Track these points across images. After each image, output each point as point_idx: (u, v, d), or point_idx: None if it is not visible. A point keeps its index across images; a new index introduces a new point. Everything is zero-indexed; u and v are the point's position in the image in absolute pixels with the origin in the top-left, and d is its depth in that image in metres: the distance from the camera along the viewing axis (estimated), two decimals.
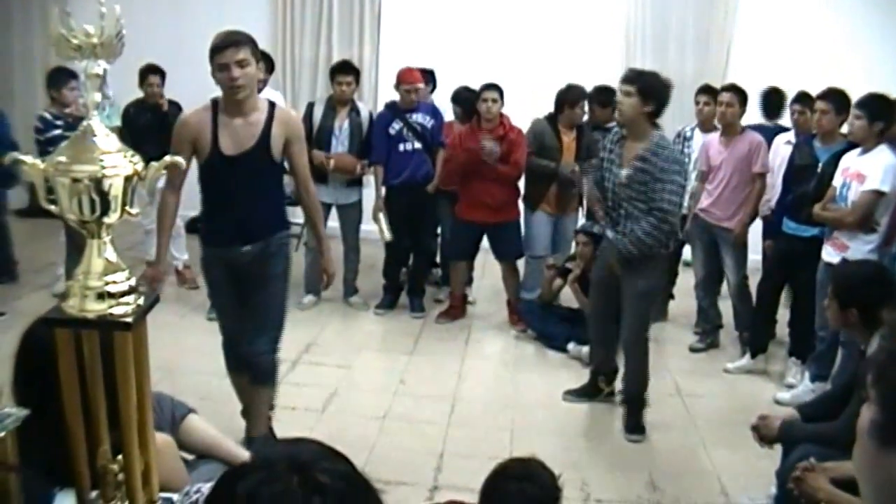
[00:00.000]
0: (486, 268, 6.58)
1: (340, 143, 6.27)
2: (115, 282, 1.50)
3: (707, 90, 6.35)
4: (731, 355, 5.90)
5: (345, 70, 6.28)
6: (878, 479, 1.06)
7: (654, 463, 4.38)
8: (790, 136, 6.00)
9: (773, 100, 6.53)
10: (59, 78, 5.93)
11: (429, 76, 6.85)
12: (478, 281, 6.80)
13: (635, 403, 4.69)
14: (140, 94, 6.68)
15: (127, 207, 1.48)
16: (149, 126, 6.28)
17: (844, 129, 5.14)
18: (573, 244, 6.22)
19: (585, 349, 5.63)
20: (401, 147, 6.27)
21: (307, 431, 4.42)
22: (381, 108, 6.86)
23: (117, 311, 1.49)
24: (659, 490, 4.10)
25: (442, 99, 6.90)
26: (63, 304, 1.51)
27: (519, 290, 6.39)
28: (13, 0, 8.89)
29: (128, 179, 1.46)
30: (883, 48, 7.77)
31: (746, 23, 8.12)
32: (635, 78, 4.46)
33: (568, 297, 6.24)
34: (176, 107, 6.47)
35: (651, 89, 4.38)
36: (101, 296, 1.49)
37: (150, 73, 6.56)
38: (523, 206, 6.39)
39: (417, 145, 6.28)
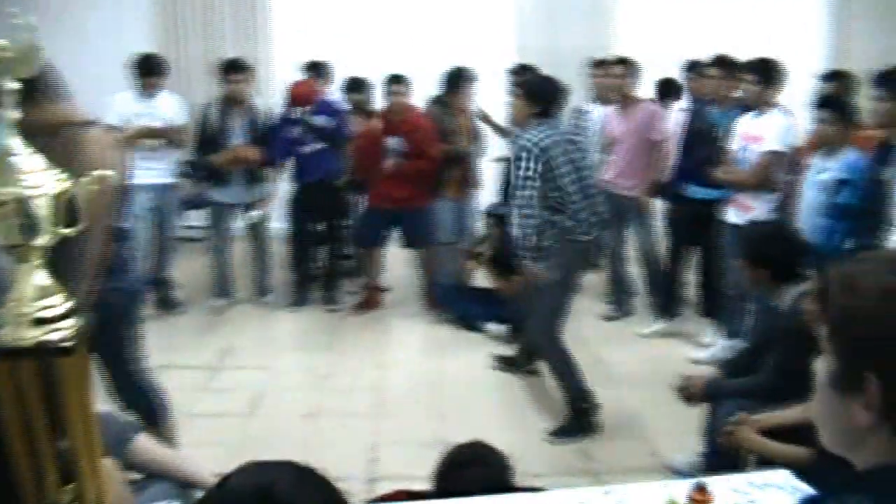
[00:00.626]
0: (398, 255, 6.56)
1: (238, 143, 6.14)
2: (50, 306, 1.44)
3: (600, 63, 6.45)
4: (645, 320, 6.02)
5: (236, 68, 6.14)
6: (839, 424, 1.10)
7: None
8: (684, 103, 6.13)
9: (668, 89, 6.63)
10: None
11: (324, 70, 6.76)
12: (389, 268, 6.76)
13: (569, 407, 4.49)
14: None
15: (59, 228, 1.43)
16: None
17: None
18: (480, 226, 6.25)
19: (504, 327, 5.69)
20: (303, 149, 6.20)
21: (237, 437, 4.37)
22: (276, 102, 6.78)
23: (54, 336, 1.43)
24: (592, 458, 4.18)
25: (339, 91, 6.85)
26: None
27: (435, 273, 6.40)
28: None
29: (56, 198, 1.41)
30: (765, 10, 8.01)
31: None
32: (522, 81, 4.66)
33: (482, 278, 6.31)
34: None
35: (537, 91, 4.45)
36: (37, 322, 1.43)
37: None
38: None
39: (320, 145, 6.21)
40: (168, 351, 5.48)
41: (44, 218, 1.40)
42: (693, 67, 6.10)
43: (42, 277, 1.45)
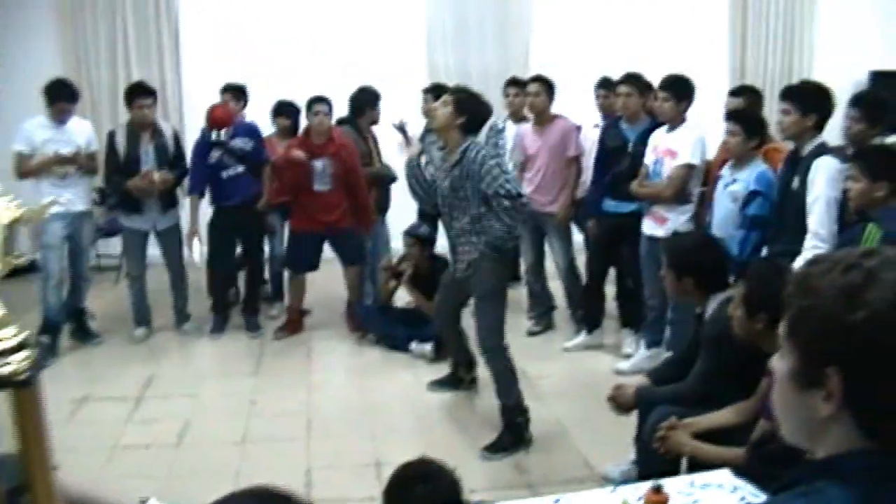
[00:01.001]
0: (316, 277, 6.52)
1: (150, 163, 6.03)
2: (2, 338, 1.40)
3: (514, 82, 6.54)
4: (567, 334, 6.12)
5: (142, 92, 6.04)
6: (801, 417, 1.16)
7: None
8: (597, 119, 6.25)
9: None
10: None
11: (240, 93, 6.71)
12: (309, 291, 6.68)
13: (505, 421, 4.51)
14: None
15: (9, 257, 1.39)
16: None
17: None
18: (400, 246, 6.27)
19: (428, 346, 5.74)
20: (223, 174, 6.15)
21: (166, 468, 4.28)
22: (187, 125, 6.70)
23: (5, 370, 1.39)
24: (526, 472, 4.22)
25: (254, 113, 6.80)
26: None
27: (362, 294, 6.41)
28: None
29: (7, 226, 1.38)
30: (671, 28, 8.26)
31: (543, 14, 8.43)
32: (455, 91, 4.66)
33: (403, 298, 6.33)
34: None
35: (466, 104, 4.48)
36: None
37: None
38: None
39: (240, 169, 6.17)
40: (89, 383, 5.38)
41: None
42: (604, 85, 6.23)
43: None
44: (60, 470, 2.47)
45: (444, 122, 4.46)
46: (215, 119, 6.08)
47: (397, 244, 6.55)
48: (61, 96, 5.87)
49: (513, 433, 4.46)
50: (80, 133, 6.07)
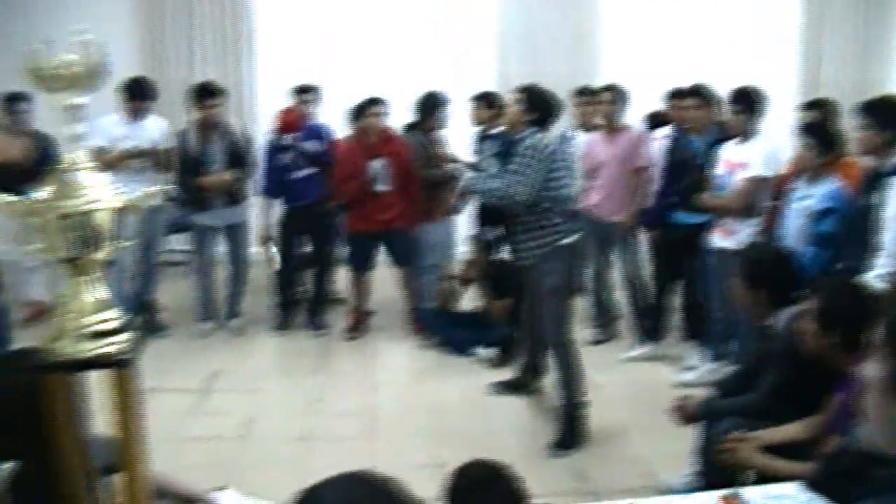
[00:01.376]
0: (380, 278, 6.58)
1: (218, 166, 6.13)
2: (107, 319, 1.46)
3: (584, 91, 6.54)
4: (630, 344, 6.08)
5: (212, 93, 6.15)
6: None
7: (577, 454, 4.47)
8: (668, 130, 6.21)
9: (654, 120, 6.72)
10: None
11: (313, 94, 6.80)
12: (375, 291, 6.72)
13: (566, 417, 4.61)
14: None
15: (115, 243, 1.45)
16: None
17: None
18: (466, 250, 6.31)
19: (492, 351, 5.74)
20: (295, 175, 6.27)
21: (231, 460, 4.36)
22: (260, 124, 6.81)
23: (109, 350, 1.45)
24: (587, 479, 4.21)
25: (327, 113, 6.89)
26: (51, 345, 1.46)
27: (418, 297, 6.45)
28: None
29: (117, 212, 1.44)
30: (742, 39, 8.20)
31: (613, 23, 8.42)
32: (523, 88, 4.64)
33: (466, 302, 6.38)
34: (38, 136, 6.23)
35: (537, 100, 4.53)
36: (94, 335, 1.45)
37: (15, 101, 6.21)
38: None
39: (311, 170, 6.27)
40: (156, 374, 5.45)
41: (104, 231, 1.43)
42: (674, 96, 6.20)
43: (100, 291, 1.48)
44: None
45: (515, 118, 4.52)
46: (286, 124, 6.21)
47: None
48: (138, 94, 6.03)
49: (572, 428, 4.53)
50: (156, 130, 6.23)
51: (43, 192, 1.40)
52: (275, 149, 6.28)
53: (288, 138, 6.21)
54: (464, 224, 6.89)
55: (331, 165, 6.30)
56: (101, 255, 1.45)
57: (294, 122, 6.21)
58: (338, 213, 6.49)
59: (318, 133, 6.41)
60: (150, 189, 1.50)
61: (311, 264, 6.58)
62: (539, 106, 4.50)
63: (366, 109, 6.04)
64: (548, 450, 4.46)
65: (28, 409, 1.69)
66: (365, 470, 1.32)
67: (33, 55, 1.38)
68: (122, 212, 1.45)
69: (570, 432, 4.52)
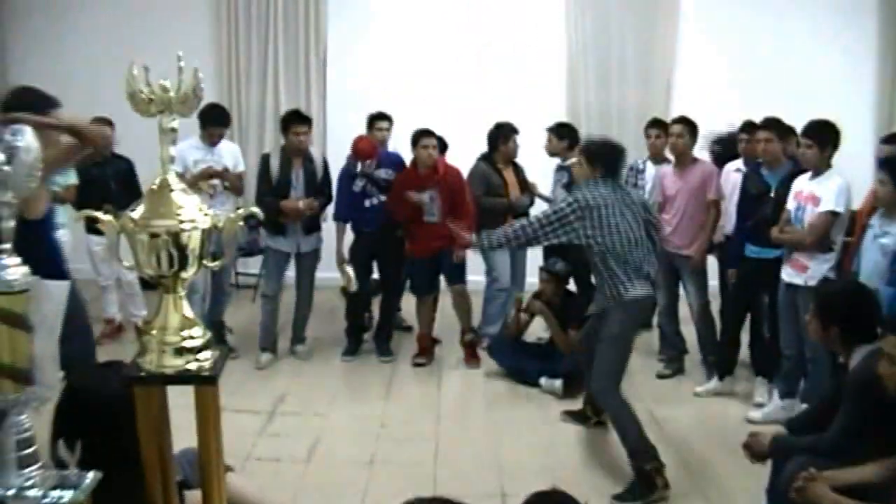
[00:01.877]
0: (446, 307, 6.62)
1: (298, 193, 6.22)
2: (192, 337, 1.50)
3: (657, 123, 6.53)
4: (698, 379, 6.00)
5: (299, 120, 6.23)
6: None
7: None
8: (739, 163, 6.16)
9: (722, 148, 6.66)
10: None
11: (389, 121, 6.90)
12: (439, 320, 6.79)
13: (634, 466, 4.35)
14: None
15: (204, 260, 1.49)
16: (101, 180, 6.23)
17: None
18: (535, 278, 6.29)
19: (558, 383, 5.72)
20: (366, 203, 6.34)
21: (296, 483, 4.39)
22: (329, 153, 6.90)
23: (193, 366, 1.49)
24: None
25: (397, 142, 6.99)
26: (138, 360, 1.50)
27: (470, 319, 6.50)
28: None
29: (205, 232, 1.48)
30: (818, 73, 8.10)
31: (687, 55, 8.38)
32: (583, 147, 4.72)
33: (534, 332, 6.35)
34: (121, 160, 6.41)
35: (598, 155, 4.54)
36: (179, 351, 1.49)
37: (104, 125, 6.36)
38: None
39: (383, 198, 6.34)
40: (224, 394, 5.47)
41: (192, 251, 1.47)
42: (746, 129, 6.15)
43: (186, 308, 1.52)
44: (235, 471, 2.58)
45: (583, 178, 4.53)
46: (360, 151, 6.28)
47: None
48: (214, 120, 6.16)
49: (642, 481, 4.29)
50: (229, 155, 6.38)
51: (136, 211, 1.44)
52: (349, 175, 6.37)
53: (363, 165, 6.29)
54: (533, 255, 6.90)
55: None
56: (188, 273, 1.48)
57: (368, 150, 6.28)
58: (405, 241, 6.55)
59: (391, 161, 6.48)
60: (241, 211, 1.54)
61: (380, 291, 6.62)
62: (601, 160, 4.50)
63: (419, 140, 6.12)
64: (612, 499, 4.26)
65: (117, 419, 1.75)
66: (437, 496, 1.32)
67: (132, 80, 1.43)
68: (211, 231, 1.48)
69: (640, 484, 4.29)
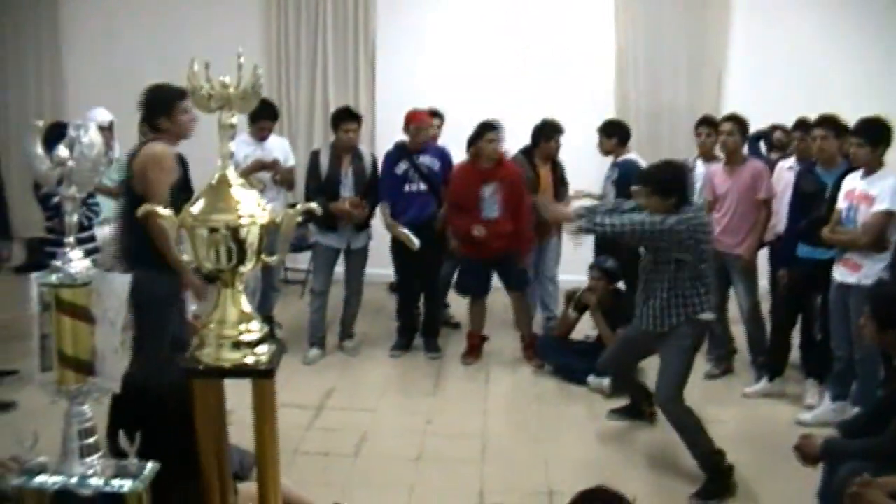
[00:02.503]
0: (496, 303, 6.62)
1: (347, 190, 6.27)
2: (249, 330, 1.52)
3: (707, 122, 6.46)
4: (746, 380, 5.95)
5: (349, 117, 6.26)
6: None
7: (690, 488, 4.35)
8: (791, 161, 6.09)
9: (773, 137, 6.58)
10: (57, 134, 5.90)
11: (438, 118, 6.91)
12: (488, 316, 6.70)
13: (706, 472, 4.36)
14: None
15: (262, 255, 1.51)
16: None
17: None
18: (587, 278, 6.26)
19: (606, 381, 5.69)
20: (406, 188, 6.33)
21: (344, 477, 4.43)
22: (378, 150, 6.92)
23: (250, 360, 1.51)
24: None
25: (445, 140, 6.98)
26: (196, 353, 1.52)
27: (531, 326, 6.48)
28: (8, 50, 8.90)
29: (263, 228, 1.49)
30: (870, 70, 7.97)
31: (738, 52, 8.29)
32: (648, 179, 4.57)
33: (581, 330, 6.35)
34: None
35: (668, 185, 4.45)
36: (236, 345, 1.51)
37: None
38: None
39: (423, 187, 6.34)
40: None
41: (251, 246, 1.49)
42: (800, 127, 6.07)
43: (244, 303, 1.54)
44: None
45: (657, 210, 4.44)
46: (413, 116, 6.33)
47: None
48: (264, 115, 6.20)
49: (717, 479, 4.30)
50: (279, 149, 6.44)
51: (197, 206, 1.46)
52: (393, 157, 6.38)
53: (410, 133, 6.34)
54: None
55: (442, 186, 6.39)
56: (246, 268, 1.50)
57: (418, 114, 6.34)
58: (447, 237, 6.55)
59: (437, 153, 6.50)
60: (300, 206, 1.55)
61: (424, 286, 6.63)
62: (673, 189, 4.41)
63: (482, 134, 6.10)
64: (690, 500, 4.27)
65: (173, 411, 1.78)
66: None
67: (193, 76, 1.45)
68: (270, 227, 1.50)
69: (715, 483, 4.30)
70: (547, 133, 6.62)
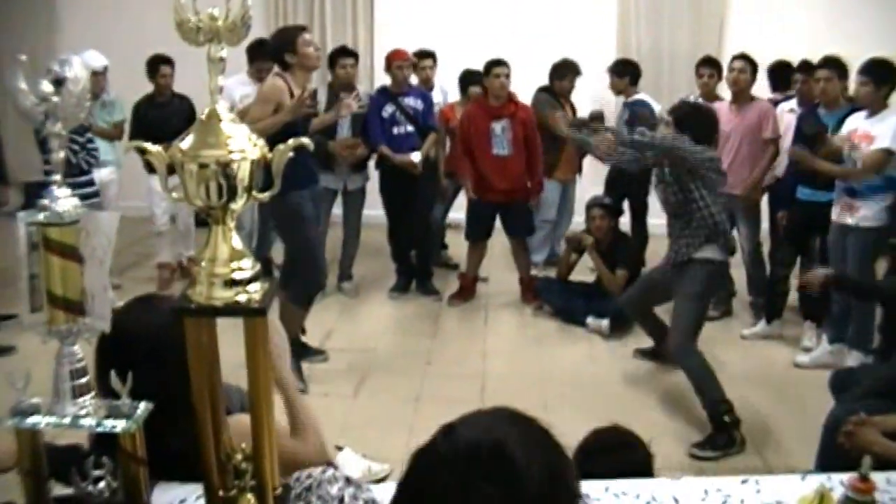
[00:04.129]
0: (496, 244, 6.61)
1: (344, 128, 6.23)
2: (241, 268, 1.49)
3: (709, 62, 6.39)
4: (745, 322, 5.98)
5: (345, 53, 6.24)
6: None
7: (687, 429, 4.41)
8: (793, 104, 6.02)
9: (780, 73, 6.49)
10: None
11: (431, 59, 6.84)
12: (488, 258, 6.73)
13: (713, 423, 4.30)
14: (149, 87, 6.46)
15: (253, 192, 1.48)
16: (162, 121, 6.01)
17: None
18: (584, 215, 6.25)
19: (605, 322, 5.70)
20: (394, 130, 6.32)
21: (342, 417, 4.45)
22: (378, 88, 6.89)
23: (242, 298, 1.49)
24: (698, 458, 4.14)
25: (441, 80, 6.94)
26: (188, 291, 1.50)
27: (530, 265, 6.49)
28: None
29: (254, 163, 1.46)
30: (872, 12, 7.86)
31: None
32: (681, 122, 4.50)
33: (581, 271, 6.36)
34: (183, 100, 6.38)
35: (688, 122, 4.45)
36: (228, 283, 1.49)
37: (161, 64, 6.33)
38: None
39: (410, 128, 6.32)
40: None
41: (241, 182, 1.45)
42: (803, 69, 5.99)
43: (235, 240, 1.51)
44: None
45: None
46: (393, 55, 6.35)
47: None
48: (260, 55, 6.12)
49: (721, 432, 4.25)
50: None
51: (186, 142, 1.43)
52: (379, 100, 6.37)
53: (392, 71, 6.38)
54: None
55: (428, 128, 6.38)
56: (237, 204, 1.47)
57: (400, 53, 6.35)
58: (444, 179, 6.54)
59: (420, 94, 6.49)
60: (291, 142, 1.51)
61: (414, 228, 6.60)
62: (698, 131, 4.41)
63: (490, 70, 6.05)
64: (691, 449, 4.23)
65: (160, 351, 1.79)
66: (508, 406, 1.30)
67: (180, 8, 1.41)
68: (259, 163, 1.47)
69: (720, 435, 4.26)
70: (561, 72, 6.74)
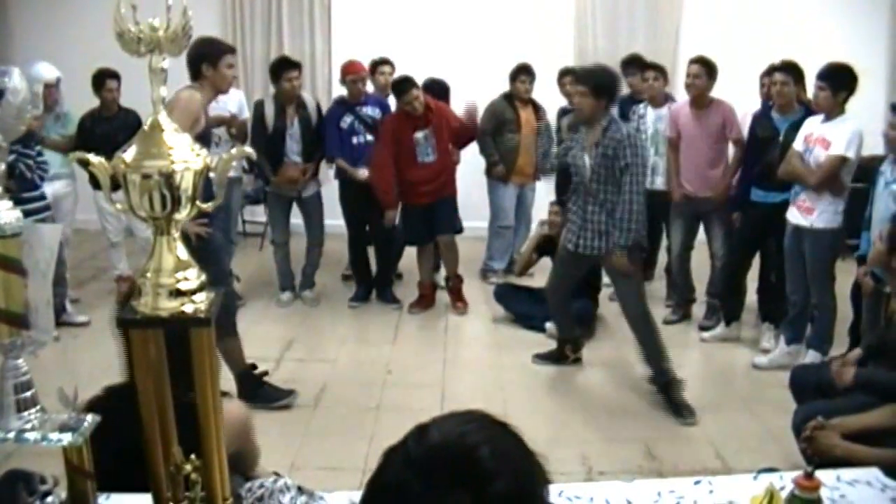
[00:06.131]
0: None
1: (294, 140, 6.22)
2: (186, 279, 1.49)
3: (653, 66, 6.46)
4: (705, 324, 6.01)
5: (289, 66, 6.18)
6: None
7: (647, 433, 4.43)
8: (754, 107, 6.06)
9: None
10: None
11: (391, 66, 6.82)
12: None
13: (666, 387, 4.73)
14: (95, 102, 6.34)
15: (197, 202, 1.47)
16: (108, 136, 5.79)
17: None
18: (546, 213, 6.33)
19: None
20: (353, 140, 6.33)
21: (303, 427, 4.43)
22: (335, 97, 6.88)
23: (188, 308, 1.48)
24: (656, 458, 4.16)
25: None
26: (134, 303, 1.49)
27: (457, 267, 6.47)
28: None
29: (198, 174, 1.45)
30: (828, 18, 7.98)
31: (695, 3, 8.34)
32: (586, 78, 4.73)
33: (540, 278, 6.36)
34: (129, 114, 6.28)
35: (603, 86, 4.63)
36: (173, 293, 1.48)
37: (108, 78, 6.22)
38: (487, 179, 7.02)
39: (369, 137, 6.33)
40: None
41: (185, 192, 1.45)
42: (769, 74, 6.02)
43: (181, 250, 1.51)
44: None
45: (593, 112, 4.63)
46: (348, 68, 6.36)
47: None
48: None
49: (667, 397, 4.72)
50: (234, 102, 6.34)
51: (129, 153, 1.42)
52: (337, 111, 6.39)
53: (347, 84, 6.39)
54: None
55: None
56: (181, 214, 1.47)
57: (355, 66, 6.37)
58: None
59: (377, 102, 6.51)
60: (235, 151, 1.52)
61: (374, 237, 6.61)
62: (605, 90, 4.62)
63: (402, 95, 5.99)
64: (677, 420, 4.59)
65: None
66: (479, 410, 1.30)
67: (120, 19, 1.41)
68: (204, 173, 1.47)
69: (667, 400, 4.70)
70: (513, 74, 6.86)
